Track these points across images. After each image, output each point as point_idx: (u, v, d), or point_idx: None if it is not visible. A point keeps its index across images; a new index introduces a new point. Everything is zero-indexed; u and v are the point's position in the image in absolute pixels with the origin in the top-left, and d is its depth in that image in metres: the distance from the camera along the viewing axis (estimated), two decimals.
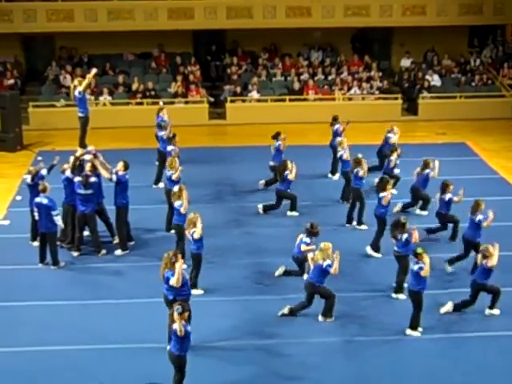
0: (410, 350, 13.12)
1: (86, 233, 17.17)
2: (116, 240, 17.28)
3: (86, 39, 29.47)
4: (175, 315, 11.07)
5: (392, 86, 30.12)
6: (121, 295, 15.05)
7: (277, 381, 12.21)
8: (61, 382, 11.94)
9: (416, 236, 14.64)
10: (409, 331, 13.52)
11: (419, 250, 13.28)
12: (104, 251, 16.92)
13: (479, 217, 15.65)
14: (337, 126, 21.28)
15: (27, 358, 12.76)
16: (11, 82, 28.66)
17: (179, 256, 12.83)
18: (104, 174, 16.89)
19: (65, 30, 29.01)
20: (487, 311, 14.29)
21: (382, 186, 16.51)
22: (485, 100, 28.97)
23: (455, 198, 17.07)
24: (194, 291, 14.37)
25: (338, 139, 20.11)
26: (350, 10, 29.97)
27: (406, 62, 31.05)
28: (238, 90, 28.74)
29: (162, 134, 20.70)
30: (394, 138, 21.18)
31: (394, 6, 30.07)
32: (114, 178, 16.71)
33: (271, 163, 20.01)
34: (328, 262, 13.80)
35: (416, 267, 13.16)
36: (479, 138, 26.05)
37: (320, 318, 14.09)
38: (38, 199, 15.93)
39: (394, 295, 14.99)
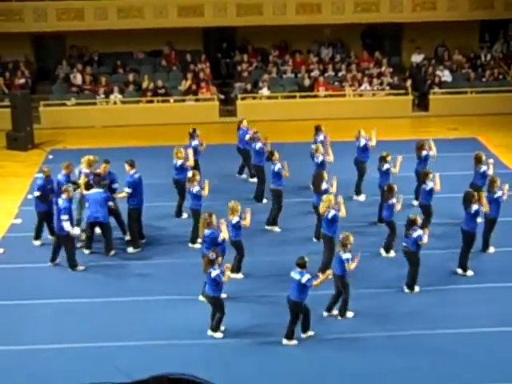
0: (423, 346, 13.20)
1: (98, 230, 17.31)
2: (127, 237, 17.39)
3: (96, 38, 29.53)
4: (209, 260, 12.95)
5: (402, 81, 30.08)
6: (131, 293, 15.16)
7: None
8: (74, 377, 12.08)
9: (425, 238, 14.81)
10: (285, 341, 13.34)
11: (306, 259, 13.10)
12: (113, 252, 17.00)
13: (498, 193, 16.39)
14: (321, 137, 20.58)
15: (38, 355, 12.91)
16: (22, 81, 28.77)
17: (214, 216, 14.49)
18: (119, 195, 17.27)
19: (75, 29, 29.10)
20: (334, 312, 14.20)
21: (468, 199, 15.76)
22: (496, 95, 28.88)
23: (392, 169, 17.93)
24: (235, 275, 15.22)
25: (313, 146, 19.40)
26: (359, 6, 29.91)
27: (416, 58, 31.01)
28: (249, 87, 28.78)
29: (258, 146, 20.00)
30: (363, 142, 19.89)
31: (404, 1, 29.98)
32: (127, 190, 16.94)
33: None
34: (333, 212, 15.10)
35: (303, 279, 12.91)
36: (490, 133, 25.98)
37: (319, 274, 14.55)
38: (59, 200, 16.02)
39: (406, 290, 15.10)
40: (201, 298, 14.34)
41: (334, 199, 15.64)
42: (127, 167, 17.18)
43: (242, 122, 21.68)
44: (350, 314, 14.22)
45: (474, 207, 15.56)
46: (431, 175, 17.28)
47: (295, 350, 13.23)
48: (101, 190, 16.73)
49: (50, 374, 12.23)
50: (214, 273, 12.97)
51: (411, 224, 14.88)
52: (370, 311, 14.45)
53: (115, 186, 17.61)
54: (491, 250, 16.88)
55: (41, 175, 17.33)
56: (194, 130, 20.86)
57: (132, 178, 17.06)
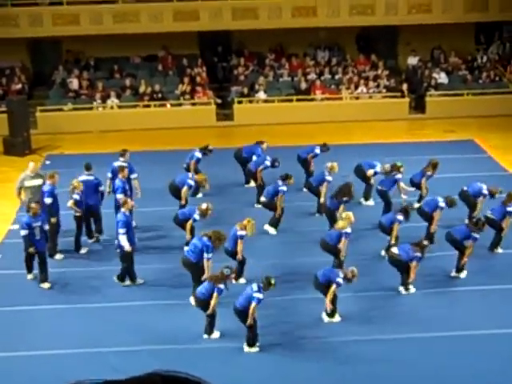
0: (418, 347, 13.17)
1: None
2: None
3: (92, 43, 29.48)
4: (222, 275, 13.14)
5: (399, 84, 30.03)
6: (128, 298, 15.12)
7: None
8: None
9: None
10: (247, 348, 13.21)
11: (272, 281, 13.00)
12: (94, 239, 17.61)
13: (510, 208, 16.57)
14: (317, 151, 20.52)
15: (36, 360, 12.87)
16: (19, 86, 28.68)
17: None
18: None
19: (71, 34, 29.01)
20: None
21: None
22: (492, 97, 28.88)
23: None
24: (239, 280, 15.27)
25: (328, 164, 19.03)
26: (355, 9, 29.86)
27: (412, 60, 30.98)
28: (245, 90, 28.73)
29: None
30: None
31: (399, 4, 29.95)
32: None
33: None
34: (349, 229, 15.29)
35: (255, 295, 12.79)
36: (487, 134, 25.94)
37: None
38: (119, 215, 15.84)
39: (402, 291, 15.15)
40: (191, 300, 14.41)
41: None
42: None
43: (264, 144, 20.98)
44: (337, 318, 14.11)
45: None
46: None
47: (285, 353, 13.18)
48: (92, 178, 17.27)
49: (48, 379, 12.15)
50: (216, 296, 13.12)
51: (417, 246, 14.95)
52: (361, 314, 14.45)
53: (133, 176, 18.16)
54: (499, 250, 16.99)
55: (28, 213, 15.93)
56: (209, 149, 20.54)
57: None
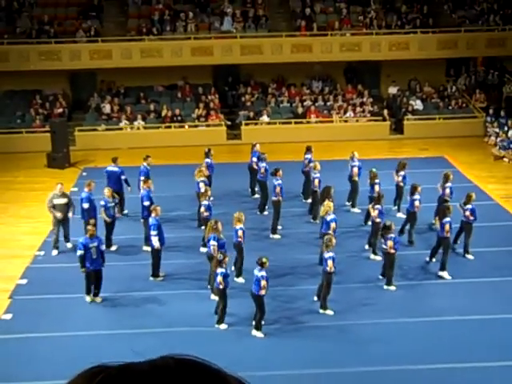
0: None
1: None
2: None
3: (122, 74, 29.53)
4: (217, 262, 12.92)
5: (381, 109, 29.99)
6: (151, 287, 15.09)
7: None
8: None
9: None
10: (254, 332, 13.05)
11: (264, 259, 12.83)
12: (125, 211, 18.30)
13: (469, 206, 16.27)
14: (309, 156, 20.39)
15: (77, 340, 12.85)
16: (60, 110, 28.75)
17: (219, 223, 14.19)
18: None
19: (104, 67, 29.10)
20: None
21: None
22: (460, 121, 28.82)
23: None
24: (237, 280, 14.89)
25: (311, 164, 19.20)
26: (344, 47, 29.88)
27: (392, 90, 30.97)
28: (251, 114, 28.75)
29: (263, 165, 19.48)
30: (356, 167, 19.44)
31: (382, 42, 29.99)
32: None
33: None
34: (331, 216, 15.03)
35: (259, 274, 12.67)
36: (456, 152, 25.93)
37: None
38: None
39: (385, 287, 15.00)
40: (209, 287, 14.34)
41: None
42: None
43: (256, 146, 21.07)
44: (330, 312, 13.88)
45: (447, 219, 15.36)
46: (419, 188, 17.12)
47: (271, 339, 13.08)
48: (116, 169, 18.36)
49: (78, 357, 12.11)
50: (220, 278, 12.89)
51: (388, 229, 14.72)
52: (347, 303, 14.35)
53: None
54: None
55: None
56: (209, 150, 20.71)
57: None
